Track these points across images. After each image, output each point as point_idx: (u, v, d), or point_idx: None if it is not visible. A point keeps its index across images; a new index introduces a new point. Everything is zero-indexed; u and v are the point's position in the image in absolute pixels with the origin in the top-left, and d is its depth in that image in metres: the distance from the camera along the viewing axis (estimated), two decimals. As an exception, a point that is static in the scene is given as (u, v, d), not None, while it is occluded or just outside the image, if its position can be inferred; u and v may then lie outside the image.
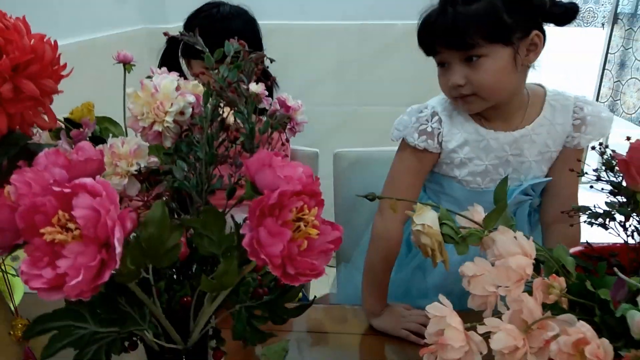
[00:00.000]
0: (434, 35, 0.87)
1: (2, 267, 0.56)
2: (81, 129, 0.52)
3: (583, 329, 0.41)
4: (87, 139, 0.53)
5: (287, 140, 0.63)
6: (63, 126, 0.56)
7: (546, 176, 0.97)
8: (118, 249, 0.38)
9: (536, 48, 0.87)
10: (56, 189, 0.39)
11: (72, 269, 0.37)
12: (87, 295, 0.38)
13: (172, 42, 1.26)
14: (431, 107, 0.96)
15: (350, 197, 1.29)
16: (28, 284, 0.37)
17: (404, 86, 2.24)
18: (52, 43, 0.52)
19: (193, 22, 1.26)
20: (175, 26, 2.13)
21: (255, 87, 0.62)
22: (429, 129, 0.93)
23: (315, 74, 2.27)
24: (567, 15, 0.85)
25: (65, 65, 0.54)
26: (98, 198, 0.38)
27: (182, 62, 1.25)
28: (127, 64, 0.59)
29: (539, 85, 0.97)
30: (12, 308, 0.61)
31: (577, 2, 0.89)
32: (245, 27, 1.25)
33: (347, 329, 0.95)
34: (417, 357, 0.83)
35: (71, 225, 0.38)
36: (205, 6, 1.27)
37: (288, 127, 0.67)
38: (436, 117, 0.94)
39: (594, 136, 0.92)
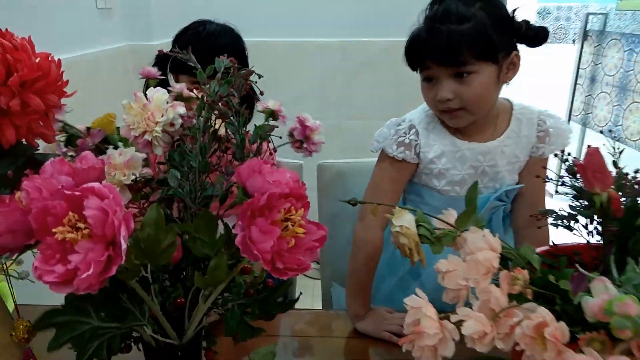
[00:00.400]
0: (426, 53, 0.92)
1: (5, 270, 0.59)
2: (85, 139, 0.56)
3: (543, 313, 0.46)
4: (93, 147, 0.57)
5: (275, 150, 0.68)
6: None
7: (517, 184, 1.04)
8: (124, 246, 0.42)
9: (514, 67, 0.95)
10: (67, 192, 0.42)
11: (83, 263, 0.40)
12: (95, 288, 0.42)
13: (161, 59, 1.30)
14: (408, 120, 1.02)
15: (333, 207, 1.33)
16: (41, 278, 0.41)
17: (384, 100, 2.32)
18: (56, 61, 0.56)
19: (181, 39, 1.30)
20: (160, 43, 2.18)
21: (272, 104, 0.66)
22: (407, 141, 0.99)
23: (299, 89, 2.33)
24: (539, 38, 0.93)
25: (67, 82, 0.58)
26: (106, 200, 0.42)
27: (170, 77, 1.29)
28: (151, 79, 0.63)
29: (506, 99, 1.04)
30: (15, 310, 0.64)
31: (547, 24, 0.97)
32: (231, 44, 1.29)
33: (332, 332, 0.98)
34: (399, 358, 0.88)
35: (81, 225, 0.42)
36: (192, 24, 1.31)
37: (304, 146, 0.72)
38: (413, 130, 1.00)
39: (557, 146, 0.99)
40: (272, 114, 0.70)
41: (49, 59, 0.54)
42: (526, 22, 0.93)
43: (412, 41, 0.94)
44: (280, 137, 0.68)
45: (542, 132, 1.01)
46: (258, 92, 0.62)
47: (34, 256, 0.57)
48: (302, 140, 0.73)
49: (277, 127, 0.65)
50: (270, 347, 0.90)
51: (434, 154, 0.99)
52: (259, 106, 0.69)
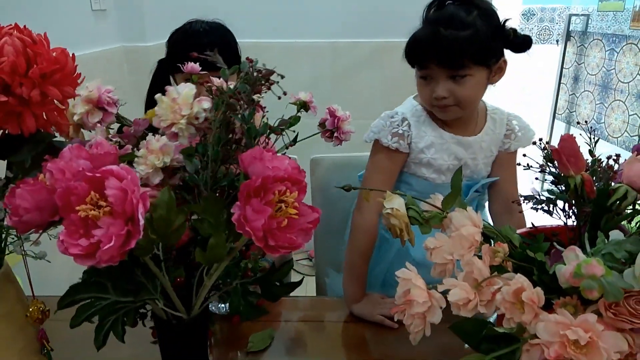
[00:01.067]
0: (429, 54, 0.98)
1: (23, 250, 0.63)
2: (130, 127, 0.61)
3: (520, 279, 0.51)
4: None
5: (293, 144, 0.73)
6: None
7: (488, 176, 1.15)
8: (142, 221, 0.46)
9: (501, 71, 1.04)
10: (89, 174, 0.47)
11: (105, 237, 0.45)
12: (116, 260, 0.46)
13: (162, 62, 1.35)
14: (401, 113, 1.09)
15: (326, 200, 1.38)
16: (67, 251, 0.45)
17: (373, 99, 2.37)
18: (70, 56, 0.60)
19: (172, 37, 1.34)
20: (154, 44, 2.21)
21: (304, 95, 0.71)
22: (400, 132, 1.07)
23: (291, 88, 2.37)
24: (524, 45, 1.01)
25: (79, 75, 0.62)
26: (125, 180, 0.47)
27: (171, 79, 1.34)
28: (193, 74, 0.68)
29: (481, 100, 1.12)
30: (30, 291, 0.68)
31: (531, 25, 1.03)
32: (219, 41, 1.32)
33: (329, 317, 1.03)
34: (391, 339, 0.93)
35: (102, 203, 0.46)
36: (185, 24, 1.35)
37: (335, 135, 0.77)
38: (406, 122, 1.07)
39: (521, 143, 1.13)
40: (304, 105, 0.75)
41: (65, 53, 0.58)
42: (514, 30, 1.01)
43: (414, 42, 1.00)
44: (295, 132, 0.72)
45: (509, 130, 1.13)
46: (281, 92, 0.67)
47: (50, 239, 0.61)
48: (333, 130, 0.78)
49: (287, 121, 0.70)
50: (269, 331, 0.95)
51: (424, 144, 1.07)
52: (291, 98, 0.74)
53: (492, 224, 1.14)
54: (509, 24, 1.00)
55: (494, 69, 1.02)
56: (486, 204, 1.19)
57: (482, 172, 1.13)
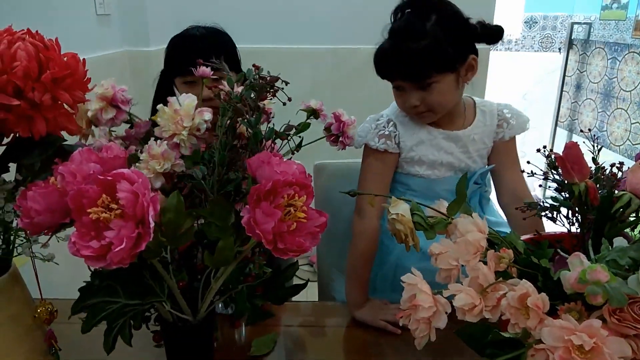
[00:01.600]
0: (390, 69, 1.01)
1: (31, 253, 0.63)
2: (131, 129, 0.62)
3: (526, 285, 0.52)
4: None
5: (298, 150, 0.74)
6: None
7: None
8: (152, 224, 0.46)
9: (472, 69, 1.04)
10: (100, 177, 0.47)
11: (117, 239, 0.45)
12: (127, 262, 0.46)
13: (166, 64, 1.35)
14: (386, 115, 1.12)
15: (330, 206, 1.38)
16: (79, 253, 0.46)
17: (374, 105, 2.37)
18: (81, 61, 0.61)
19: (170, 43, 1.35)
20: (157, 49, 2.22)
21: (314, 103, 0.72)
22: (387, 133, 1.08)
23: (291, 94, 2.38)
24: (495, 36, 1.01)
25: (90, 80, 0.63)
26: (135, 184, 0.47)
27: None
28: (205, 78, 0.68)
29: (469, 96, 1.15)
30: (39, 293, 0.68)
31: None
32: (218, 45, 1.32)
33: (331, 322, 1.03)
34: (394, 345, 0.93)
35: (113, 206, 0.47)
36: (183, 30, 1.36)
37: (340, 139, 0.78)
38: (391, 123, 1.09)
39: (515, 130, 1.12)
40: (314, 112, 0.76)
41: (76, 58, 0.59)
42: (481, 23, 1.01)
43: (377, 57, 1.03)
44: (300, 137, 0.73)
45: (502, 119, 1.12)
46: (286, 98, 0.68)
47: (58, 241, 0.62)
48: (338, 134, 0.79)
49: (293, 126, 0.70)
50: (272, 335, 0.95)
51: (413, 142, 1.08)
52: (301, 105, 0.75)
53: (502, 216, 1.16)
54: (474, 20, 1.00)
55: (463, 69, 1.02)
56: (492, 197, 1.20)
57: (478, 164, 1.13)
